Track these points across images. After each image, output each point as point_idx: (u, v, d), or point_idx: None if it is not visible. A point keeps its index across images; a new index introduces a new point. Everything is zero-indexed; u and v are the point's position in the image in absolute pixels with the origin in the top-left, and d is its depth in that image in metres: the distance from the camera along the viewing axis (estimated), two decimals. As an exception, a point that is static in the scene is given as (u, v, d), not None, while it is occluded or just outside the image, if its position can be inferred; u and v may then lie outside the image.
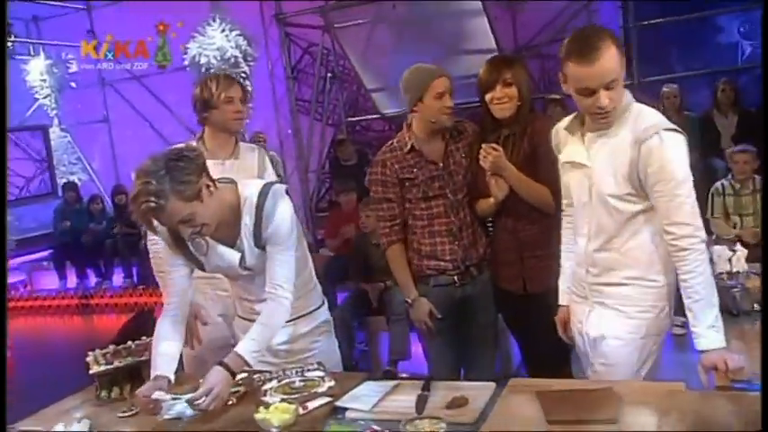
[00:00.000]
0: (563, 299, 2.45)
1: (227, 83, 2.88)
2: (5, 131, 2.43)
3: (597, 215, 2.20)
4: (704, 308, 2.03)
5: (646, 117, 2.13)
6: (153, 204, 2.03)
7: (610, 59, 2.03)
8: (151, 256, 2.83)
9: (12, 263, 8.10)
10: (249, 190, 2.31)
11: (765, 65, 1.68)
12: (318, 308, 2.56)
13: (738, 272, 2.66)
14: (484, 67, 2.86)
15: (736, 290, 2.56)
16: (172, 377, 2.19)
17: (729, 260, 2.70)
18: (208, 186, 2.14)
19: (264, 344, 2.25)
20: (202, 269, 2.37)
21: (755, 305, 2.48)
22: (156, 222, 2.13)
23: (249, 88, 8.22)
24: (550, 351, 2.59)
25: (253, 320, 2.33)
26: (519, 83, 2.77)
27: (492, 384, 2.06)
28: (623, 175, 2.11)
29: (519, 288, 2.84)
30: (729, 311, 2.46)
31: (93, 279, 8.87)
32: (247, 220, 2.29)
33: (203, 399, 2.04)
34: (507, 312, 3.02)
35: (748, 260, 2.78)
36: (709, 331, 2.01)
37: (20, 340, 6.84)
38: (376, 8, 7.94)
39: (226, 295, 2.75)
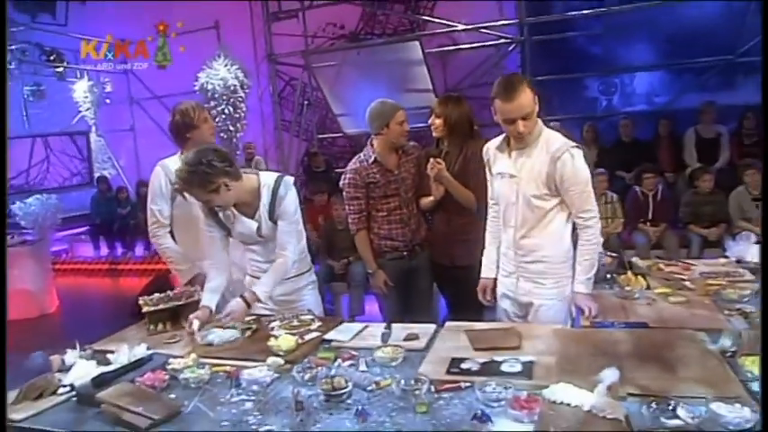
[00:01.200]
0: (486, 272, 2.43)
1: (200, 107, 2.72)
2: (5, 132, 2.38)
3: (522, 211, 2.24)
4: (589, 265, 2.19)
5: (554, 139, 2.20)
6: (181, 188, 2.17)
7: (525, 98, 2.08)
8: (169, 263, 2.73)
9: (57, 235, 7.80)
10: (267, 179, 2.36)
11: (765, 67, 1.71)
12: (308, 270, 2.60)
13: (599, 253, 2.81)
14: None
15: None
16: (213, 308, 2.29)
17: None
18: (226, 185, 2.17)
19: (271, 287, 2.31)
20: (230, 234, 2.41)
21: (608, 275, 2.63)
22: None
23: (244, 109, 8.16)
24: (469, 307, 2.62)
25: (259, 277, 2.38)
26: (444, 116, 2.82)
27: (434, 325, 2.15)
28: (542, 181, 2.17)
29: (449, 262, 2.92)
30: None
31: (120, 250, 8.59)
32: (265, 200, 2.33)
33: (225, 318, 2.16)
34: (440, 279, 3.08)
35: (603, 247, 2.95)
36: (586, 281, 2.19)
37: (64, 294, 6.68)
38: (344, 54, 8.04)
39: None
